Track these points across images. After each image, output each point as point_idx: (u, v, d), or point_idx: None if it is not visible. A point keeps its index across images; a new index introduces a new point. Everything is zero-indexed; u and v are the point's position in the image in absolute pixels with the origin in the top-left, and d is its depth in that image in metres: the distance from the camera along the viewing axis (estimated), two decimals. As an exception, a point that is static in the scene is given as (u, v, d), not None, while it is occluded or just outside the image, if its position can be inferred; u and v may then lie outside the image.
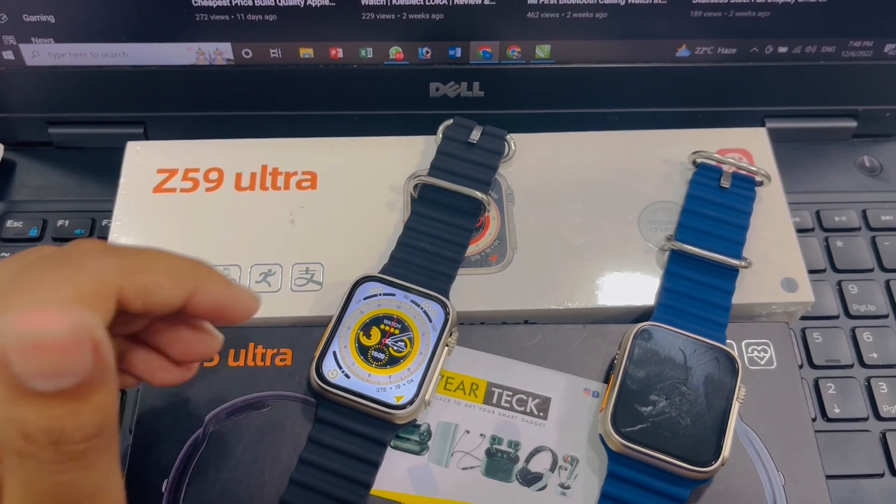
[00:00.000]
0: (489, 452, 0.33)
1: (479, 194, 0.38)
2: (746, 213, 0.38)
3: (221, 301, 0.26)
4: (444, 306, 0.35)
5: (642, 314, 0.37)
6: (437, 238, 0.37)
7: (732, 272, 0.37)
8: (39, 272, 0.22)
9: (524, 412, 0.34)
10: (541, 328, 0.36)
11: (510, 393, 0.34)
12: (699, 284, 0.36)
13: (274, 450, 0.33)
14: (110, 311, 0.23)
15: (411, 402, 0.33)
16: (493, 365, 0.35)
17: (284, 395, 0.34)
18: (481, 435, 0.33)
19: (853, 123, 0.47)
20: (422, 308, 0.35)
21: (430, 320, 0.35)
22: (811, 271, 0.42)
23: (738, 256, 0.37)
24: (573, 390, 0.34)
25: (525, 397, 0.34)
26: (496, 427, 0.33)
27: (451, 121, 0.41)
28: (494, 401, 0.34)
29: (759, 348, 0.36)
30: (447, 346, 0.34)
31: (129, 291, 0.23)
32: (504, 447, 0.33)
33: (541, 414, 0.34)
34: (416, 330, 0.35)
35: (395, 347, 0.34)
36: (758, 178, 0.40)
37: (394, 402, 0.33)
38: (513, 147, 0.41)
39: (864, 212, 0.45)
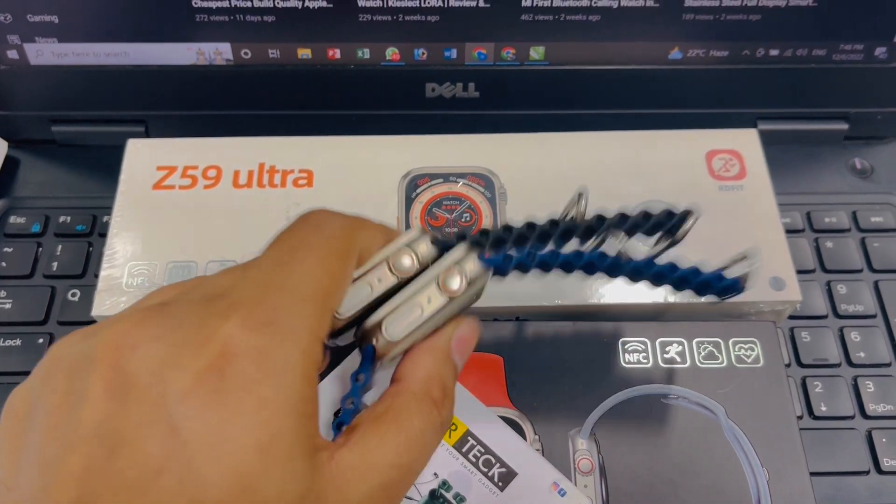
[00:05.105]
0: (433, 494, 0.32)
1: None
2: None
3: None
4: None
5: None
6: None
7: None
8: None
9: (486, 474, 0.32)
10: (531, 325, 0.36)
11: (482, 450, 0.33)
12: (687, 282, 0.37)
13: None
14: None
15: None
16: (480, 413, 0.33)
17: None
18: (434, 474, 0.32)
19: (845, 126, 0.48)
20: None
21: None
22: (801, 271, 0.43)
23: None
24: (542, 478, 0.32)
25: (493, 460, 0.32)
26: (451, 474, 0.32)
27: None
28: (464, 450, 0.32)
29: (747, 346, 0.36)
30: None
31: None
32: (449, 496, 0.32)
33: (500, 484, 0.32)
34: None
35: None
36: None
37: None
38: None
39: (854, 213, 0.45)
